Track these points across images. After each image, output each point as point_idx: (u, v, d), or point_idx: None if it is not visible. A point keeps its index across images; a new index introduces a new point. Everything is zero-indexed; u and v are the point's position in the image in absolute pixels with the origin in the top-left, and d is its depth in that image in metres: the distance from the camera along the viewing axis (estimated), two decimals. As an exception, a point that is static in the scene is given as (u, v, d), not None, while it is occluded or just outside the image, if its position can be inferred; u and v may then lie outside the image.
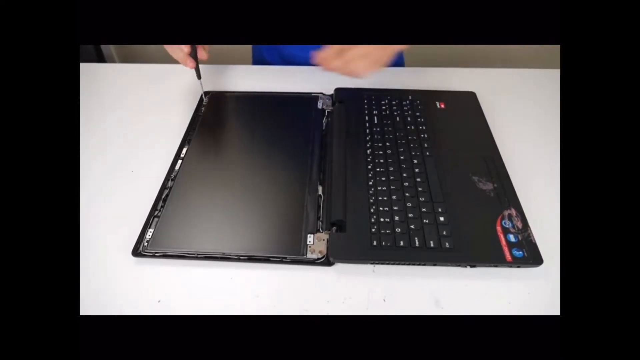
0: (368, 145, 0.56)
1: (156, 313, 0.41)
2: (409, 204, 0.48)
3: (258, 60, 0.84)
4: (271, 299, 0.42)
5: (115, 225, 0.48)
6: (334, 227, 0.46)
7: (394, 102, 0.62)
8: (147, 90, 0.68)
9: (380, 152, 0.54)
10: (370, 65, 0.53)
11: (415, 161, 0.53)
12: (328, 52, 0.54)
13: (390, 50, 0.54)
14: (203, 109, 0.64)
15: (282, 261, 0.44)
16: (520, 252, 0.43)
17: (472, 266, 0.44)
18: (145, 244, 0.45)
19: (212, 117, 0.63)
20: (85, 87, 0.68)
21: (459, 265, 0.44)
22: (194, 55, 0.59)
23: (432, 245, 0.44)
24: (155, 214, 0.49)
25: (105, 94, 0.68)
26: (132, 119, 0.63)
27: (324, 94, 0.66)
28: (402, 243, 0.44)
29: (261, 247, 0.45)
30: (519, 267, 0.43)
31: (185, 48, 0.58)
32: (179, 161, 0.55)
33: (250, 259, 0.44)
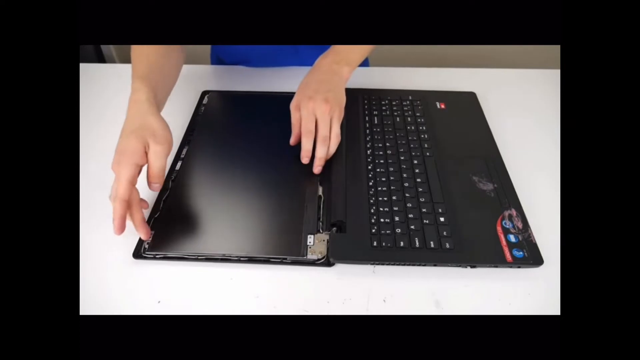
0: (368, 145, 0.56)
1: (156, 313, 0.41)
2: (409, 205, 0.48)
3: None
4: (271, 299, 0.42)
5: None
6: (334, 228, 0.46)
7: (394, 103, 0.62)
8: (147, 91, 0.68)
9: (380, 153, 0.54)
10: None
11: (415, 161, 0.53)
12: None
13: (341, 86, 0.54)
14: (203, 109, 0.64)
15: (282, 262, 0.44)
16: (521, 253, 0.43)
17: (472, 267, 0.44)
18: (146, 246, 0.45)
19: (212, 117, 0.62)
20: (85, 87, 0.68)
21: (459, 266, 0.44)
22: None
23: (432, 245, 0.44)
24: (156, 215, 0.48)
25: (105, 94, 0.68)
26: (132, 119, 0.63)
27: (324, 94, 0.65)
28: (402, 244, 0.44)
29: (261, 248, 0.45)
30: (519, 267, 0.43)
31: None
32: (179, 162, 0.55)
33: (251, 260, 0.44)
